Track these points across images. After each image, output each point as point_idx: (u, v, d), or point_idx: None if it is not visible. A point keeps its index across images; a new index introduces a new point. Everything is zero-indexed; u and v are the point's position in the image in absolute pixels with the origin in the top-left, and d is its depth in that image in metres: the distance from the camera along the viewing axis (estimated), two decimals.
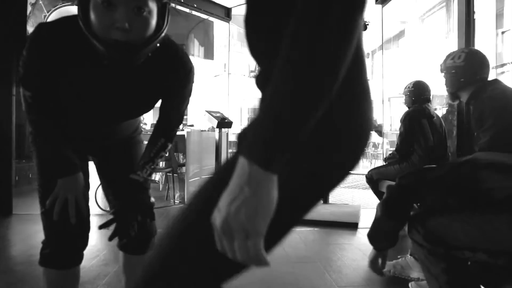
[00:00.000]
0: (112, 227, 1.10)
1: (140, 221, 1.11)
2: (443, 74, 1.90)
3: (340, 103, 0.54)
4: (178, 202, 4.04)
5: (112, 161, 1.23)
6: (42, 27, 0.95)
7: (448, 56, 1.93)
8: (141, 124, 1.32)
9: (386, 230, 1.32)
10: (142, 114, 1.19)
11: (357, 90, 0.58)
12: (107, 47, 0.85)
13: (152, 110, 1.16)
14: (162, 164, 4.11)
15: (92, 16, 0.84)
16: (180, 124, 1.17)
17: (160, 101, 1.13)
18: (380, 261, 1.38)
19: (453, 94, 1.86)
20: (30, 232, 2.73)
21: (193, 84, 1.12)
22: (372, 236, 1.36)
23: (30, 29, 3.51)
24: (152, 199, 1.19)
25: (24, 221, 3.08)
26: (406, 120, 2.94)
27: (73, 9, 3.61)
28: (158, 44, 0.94)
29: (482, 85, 1.73)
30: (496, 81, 1.80)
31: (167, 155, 3.52)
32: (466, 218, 1.18)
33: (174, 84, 1.06)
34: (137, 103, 1.08)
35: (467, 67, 1.79)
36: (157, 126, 1.14)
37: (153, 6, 0.87)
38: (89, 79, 0.98)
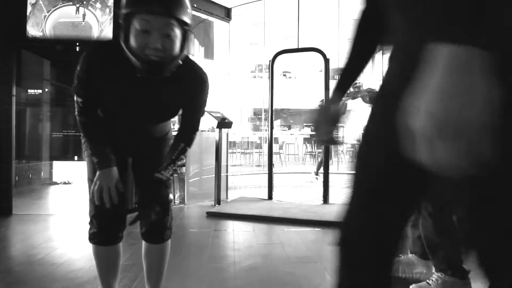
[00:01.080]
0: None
1: (158, 212, 1.33)
2: None
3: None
4: (178, 202, 4.03)
5: (145, 158, 1.42)
6: (92, 48, 1.22)
7: None
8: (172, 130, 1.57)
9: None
10: (168, 118, 1.41)
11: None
12: (142, 62, 1.11)
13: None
14: None
15: (132, 39, 1.12)
16: (197, 131, 1.36)
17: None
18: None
19: None
20: (30, 232, 2.70)
21: (208, 96, 1.33)
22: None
23: (30, 29, 3.50)
24: (171, 197, 1.39)
25: (24, 221, 3.05)
26: None
27: (72, 10, 3.61)
28: (180, 62, 1.19)
29: None
30: None
31: (185, 160, 3.65)
32: None
33: (191, 93, 1.29)
34: (162, 108, 1.32)
35: None
36: (178, 133, 1.35)
37: (178, 32, 1.15)
38: (125, 88, 1.23)
